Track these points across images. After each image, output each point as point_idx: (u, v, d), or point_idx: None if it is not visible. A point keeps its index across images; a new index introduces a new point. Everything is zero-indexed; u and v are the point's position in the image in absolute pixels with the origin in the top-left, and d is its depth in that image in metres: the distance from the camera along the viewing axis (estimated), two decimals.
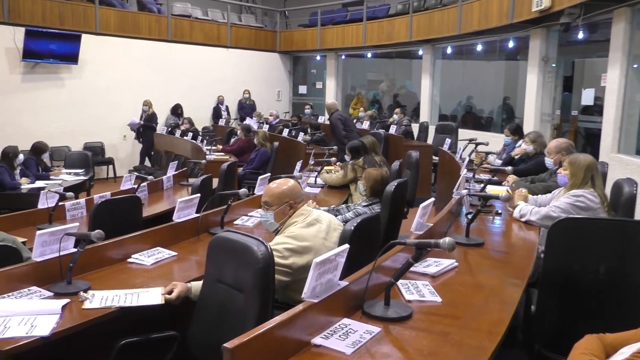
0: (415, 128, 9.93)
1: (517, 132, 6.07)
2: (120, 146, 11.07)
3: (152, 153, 10.66)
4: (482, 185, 4.38)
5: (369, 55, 13.24)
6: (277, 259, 2.50)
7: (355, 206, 4.32)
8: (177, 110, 11.90)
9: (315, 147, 8.38)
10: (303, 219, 2.75)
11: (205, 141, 9.24)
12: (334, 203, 4.74)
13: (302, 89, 14.59)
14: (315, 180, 5.62)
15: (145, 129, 10.65)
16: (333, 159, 5.77)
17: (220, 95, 12.74)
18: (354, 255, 2.30)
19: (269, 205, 2.80)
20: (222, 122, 11.82)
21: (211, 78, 12.61)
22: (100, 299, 2.39)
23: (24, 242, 3.26)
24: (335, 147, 7.16)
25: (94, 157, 8.20)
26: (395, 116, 9.56)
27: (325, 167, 5.88)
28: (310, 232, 2.70)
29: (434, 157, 8.23)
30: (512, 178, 4.66)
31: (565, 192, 3.43)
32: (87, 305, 2.33)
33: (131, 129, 10.77)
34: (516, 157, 5.49)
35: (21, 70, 9.79)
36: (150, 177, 5.38)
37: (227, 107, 12.87)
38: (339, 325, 1.95)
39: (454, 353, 1.80)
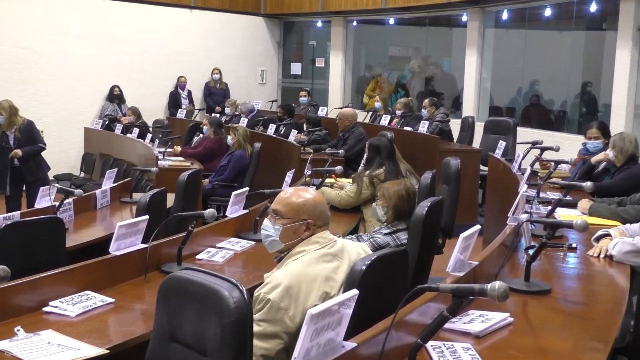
0: (455, 125, 9.96)
1: (606, 134, 6.04)
2: None
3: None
4: (549, 207, 4.40)
5: (392, 21, 13.32)
6: (269, 313, 2.55)
7: (373, 235, 4.32)
8: (116, 96, 11.92)
9: (314, 151, 8.40)
10: (316, 248, 2.78)
11: (157, 140, 9.27)
12: (339, 231, 4.74)
13: (296, 68, 14.66)
14: None
15: (25, 159, 7.54)
16: (338, 167, 5.78)
17: (181, 76, 12.80)
18: (366, 305, 2.30)
19: (280, 215, 2.83)
20: (181, 114, 11.85)
21: (167, 51, 12.69)
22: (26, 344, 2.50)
23: None
24: (341, 151, 7.19)
25: None
26: (424, 111, 9.50)
27: (327, 180, 5.89)
28: (323, 270, 2.73)
29: (481, 167, 8.25)
30: (585, 203, 4.62)
31: None
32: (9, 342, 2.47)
33: None
34: (599, 166, 5.49)
35: None
36: (77, 191, 5.38)
37: (189, 92, 12.94)
38: None
39: None
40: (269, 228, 2.84)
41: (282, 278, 2.64)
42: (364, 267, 2.65)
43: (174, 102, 12.75)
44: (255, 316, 2.57)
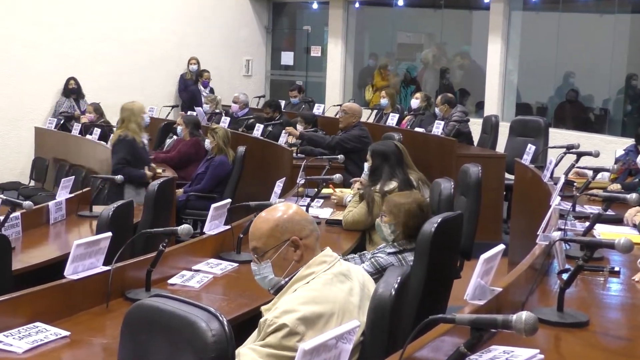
0: (475, 126, 9.96)
1: None
2: None
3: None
4: (586, 224, 4.40)
5: (401, 2, 13.36)
6: (280, 339, 2.55)
7: (376, 254, 4.33)
8: (72, 90, 11.86)
9: (307, 155, 8.40)
10: (326, 268, 2.81)
11: None
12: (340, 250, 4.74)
13: (288, 58, 14.66)
14: (308, 211, 5.62)
15: None
16: (337, 175, 5.78)
17: (205, 70, 12.70)
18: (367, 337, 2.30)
19: (262, 251, 2.86)
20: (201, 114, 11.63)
21: (134, 38, 12.69)
22: None
23: None
24: (340, 157, 7.19)
25: None
26: (436, 110, 9.46)
27: (324, 190, 5.89)
28: (340, 292, 2.75)
29: (507, 175, 8.25)
30: (634, 212, 4.65)
31: None
32: None
33: None
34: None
35: None
36: (26, 204, 5.37)
37: (211, 90, 12.82)
38: None
39: None
40: (259, 271, 2.88)
41: (296, 304, 2.65)
42: (392, 293, 2.70)
43: (192, 100, 12.58)
44: (258, 342, 2.60)
